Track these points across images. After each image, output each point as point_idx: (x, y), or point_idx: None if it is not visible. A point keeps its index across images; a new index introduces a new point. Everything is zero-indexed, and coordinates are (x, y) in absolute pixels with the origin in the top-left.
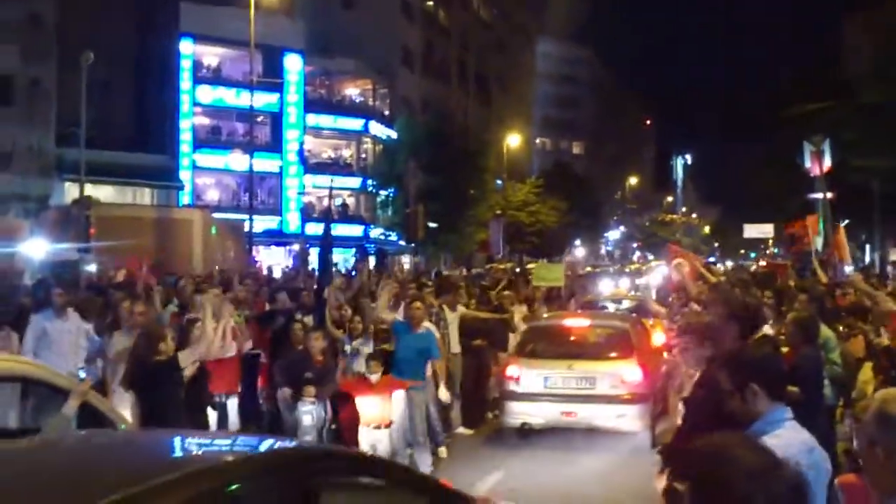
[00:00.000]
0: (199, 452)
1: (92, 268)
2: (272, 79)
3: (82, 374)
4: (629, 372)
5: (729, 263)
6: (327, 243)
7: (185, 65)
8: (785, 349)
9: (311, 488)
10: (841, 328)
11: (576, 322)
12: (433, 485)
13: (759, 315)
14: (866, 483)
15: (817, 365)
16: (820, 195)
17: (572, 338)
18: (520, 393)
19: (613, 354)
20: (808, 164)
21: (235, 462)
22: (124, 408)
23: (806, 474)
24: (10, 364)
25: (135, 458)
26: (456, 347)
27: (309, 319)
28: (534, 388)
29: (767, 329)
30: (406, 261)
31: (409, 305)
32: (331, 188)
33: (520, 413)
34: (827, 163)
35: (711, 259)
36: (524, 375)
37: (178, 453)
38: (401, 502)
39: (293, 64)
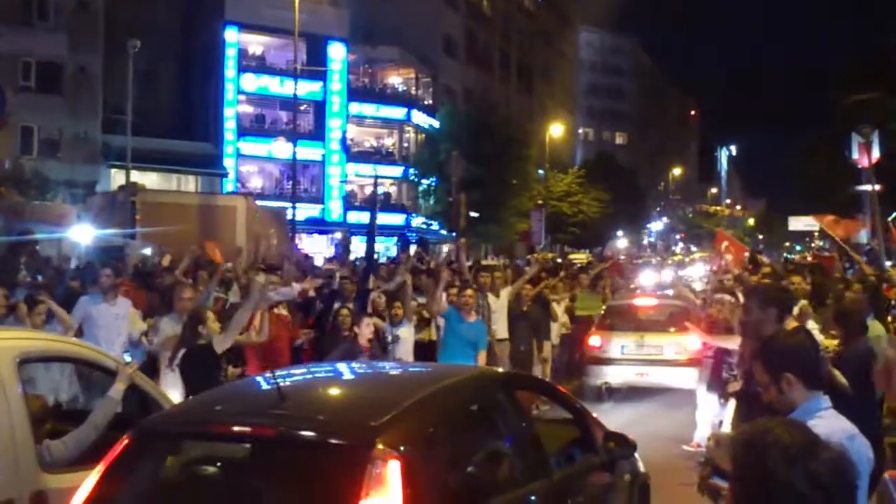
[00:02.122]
0: (451, 373)
1: (148, 251)
2: (316, 67)
3: (128, 358)
4: (690, 342)
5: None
6: (373, 232)
7: (230, 53)
8: (833, 342)
9: (514, 394)
10: (889, 319)
11: (646, 302)
12: (583, 409)
13: (791, 297)
14: None
15: (867, 357)
16: (868, 187)
17: (643, 314)
18: (601, 358)
19: (676, 328)
20: (855, 155)
21: (480, 376)
22: (174, 390)
23: (851, 457)
24: (58, 344)
25: (418, 375)
26: (503, 333)
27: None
28: (613, 354)
29: (812, 324)
30: (445, 250)
31: (461, 293)
32: (376, 177)
33: (601, 374)
34: (875, 154)
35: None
36: (604, 344)
37: (444, 373)
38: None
39: (337, 52)
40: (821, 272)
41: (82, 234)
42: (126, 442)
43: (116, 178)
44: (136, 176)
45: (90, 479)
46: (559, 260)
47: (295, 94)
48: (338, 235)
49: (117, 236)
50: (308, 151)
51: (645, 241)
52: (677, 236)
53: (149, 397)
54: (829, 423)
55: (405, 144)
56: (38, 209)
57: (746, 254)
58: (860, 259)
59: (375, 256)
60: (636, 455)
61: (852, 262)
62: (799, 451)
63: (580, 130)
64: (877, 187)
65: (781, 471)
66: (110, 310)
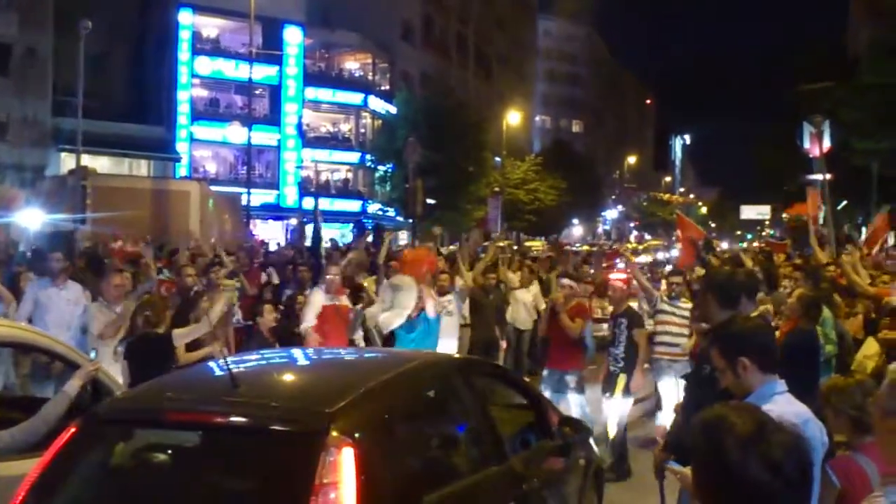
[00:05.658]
0: (407, 358)
1: (119, 243)
2: (272, 51)
3: (93, 355)
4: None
5: (724, 245)
6: (317, 218)
7: (184, 35)
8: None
9: (471, 380)
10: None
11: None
12: (540, 395)
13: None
14: (880, 454)
15: (813, 342)
16: (819, 176)
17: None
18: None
19: None
20: (807, 144)
21: (436, 362)
22: (117, 376)
23: (807, 439)
24: (10, 330)
25: (373, 361)
26: (464, 319)
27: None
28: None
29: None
30: (403, 237)
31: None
32: (315, 162)
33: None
34: (826, 144)
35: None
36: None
37: (400, 359)
38: (514, 397)
39: (293, 36)
40: (771, 259)
41: (31, 219)
42: (74, 429)
43: (67, 161)
44: (87, 160)
45: (36, 467)
46: (515, 247)
47: (250, 78)
48: (293, 221)
49: (67, 221)
50: (263, 136)
51: (600, 229)
52: (631, 224)
53: (101, 385)
54: (782, 408)
55: (362, 130)
56: None
57: (700, 242)
58: (817, 245)
59: (328, 244)
60: (591, 440)
61: (805, 248)
62: (750, 435)
63: (537, 118)
64: (827, 176)
65: (735, 457)
66: (60, 294)
